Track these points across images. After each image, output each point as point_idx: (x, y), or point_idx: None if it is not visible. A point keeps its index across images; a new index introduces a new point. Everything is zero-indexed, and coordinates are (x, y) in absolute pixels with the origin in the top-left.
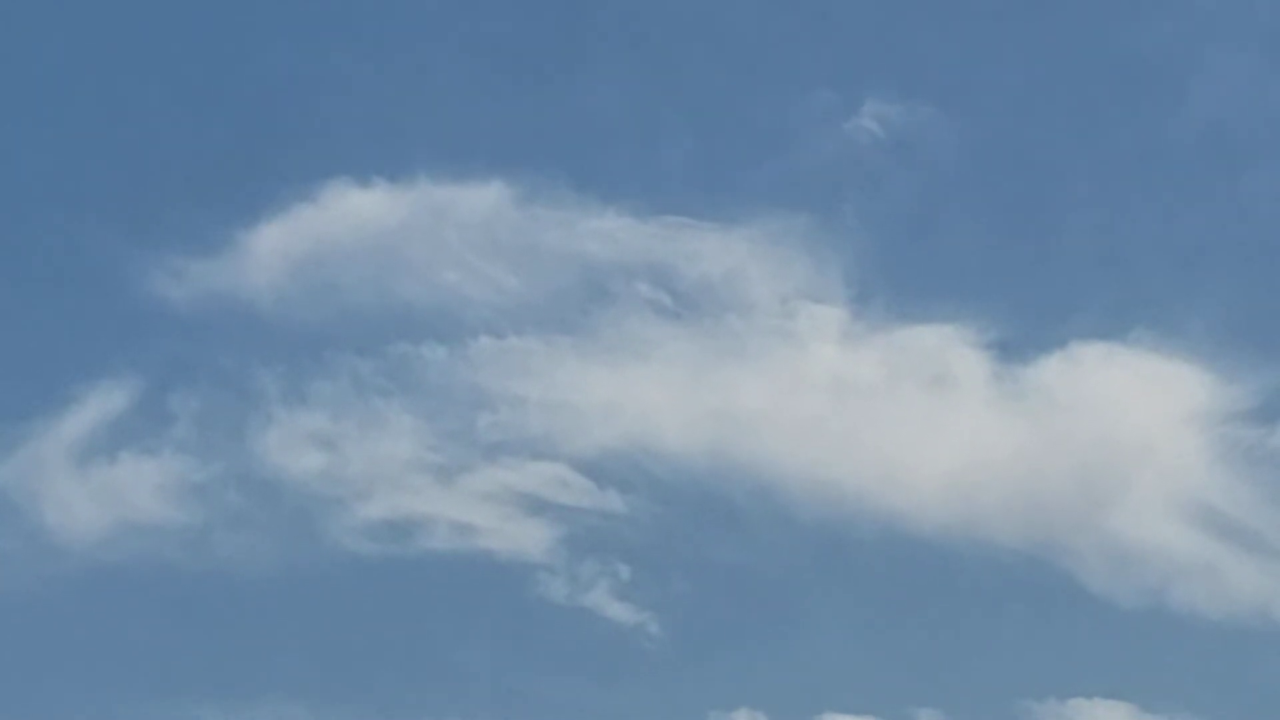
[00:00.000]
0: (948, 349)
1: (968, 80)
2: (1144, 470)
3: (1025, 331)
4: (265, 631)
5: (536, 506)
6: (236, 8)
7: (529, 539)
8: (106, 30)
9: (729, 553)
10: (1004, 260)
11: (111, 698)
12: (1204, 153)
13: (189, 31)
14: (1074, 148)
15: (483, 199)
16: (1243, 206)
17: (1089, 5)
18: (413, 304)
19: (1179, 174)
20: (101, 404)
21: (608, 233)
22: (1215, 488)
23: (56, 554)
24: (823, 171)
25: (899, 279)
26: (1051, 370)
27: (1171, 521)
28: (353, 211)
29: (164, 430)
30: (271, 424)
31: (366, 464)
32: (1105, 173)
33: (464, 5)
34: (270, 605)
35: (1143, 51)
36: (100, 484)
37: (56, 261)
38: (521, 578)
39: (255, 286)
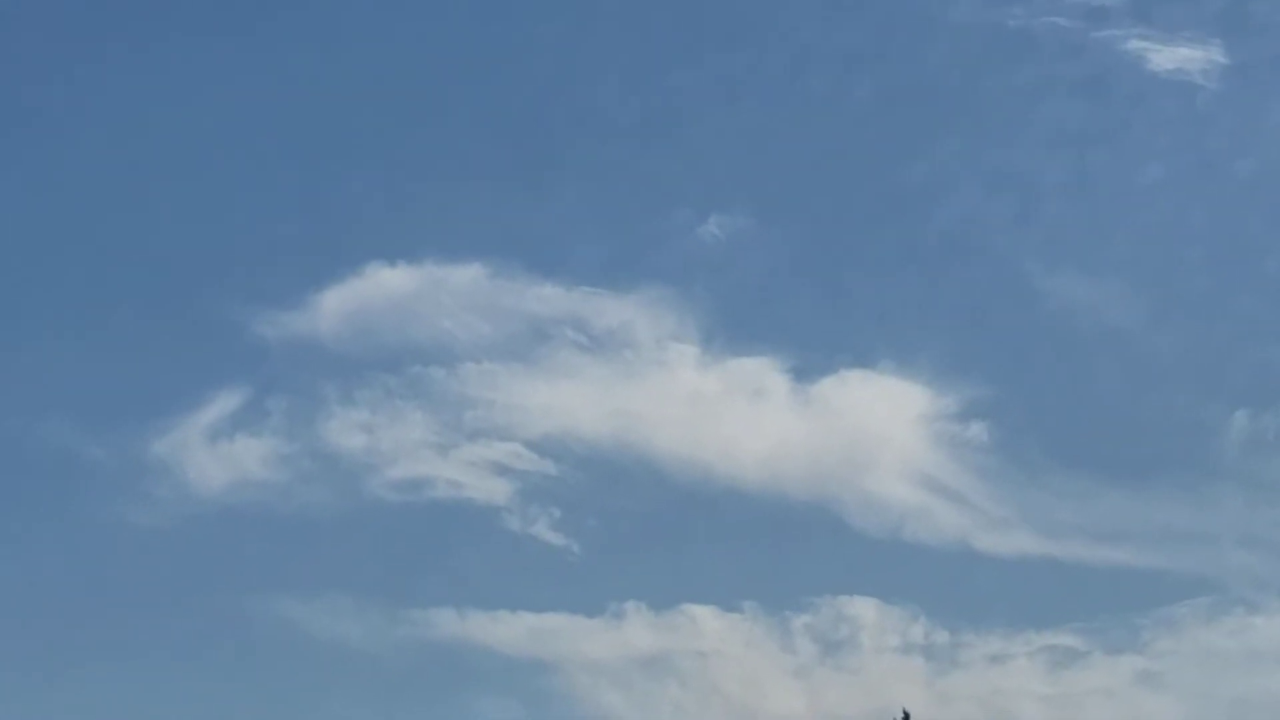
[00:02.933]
0: (762, 373)
1: (779, 199)
2: (886, 451)
3: (811, 361)
4: (325, 552)
5: (501, 471)
6: (308, 140)
7: (497, 491)
8: (234, 143)
9: (624, 502)
10: (798, 315)
11: (227, 595)
12: (939, 248)
13: (279, 149)
14: (849, 244)
15: (467, 274)
16: (957, 282)
17: (867, 145)
18: (422, 342)
19: (918, 263)
20: (224, 404)
21: (546, 297)
22: (931, 462)
23: (195, 500)
24: (683, 260)
25: (732, 327)
26: (828, 387)
27: (904, 483)
28: (385, 282)
29: (263, 421)
30: (332, 418)
31: (392, 443)
32: (869, 260)
33: (458, 135)
34: (329, 535)
35: (901, 180)
36: (223, 455)
37: (194, 314)
38: (491, 517)
39: (321, 330)
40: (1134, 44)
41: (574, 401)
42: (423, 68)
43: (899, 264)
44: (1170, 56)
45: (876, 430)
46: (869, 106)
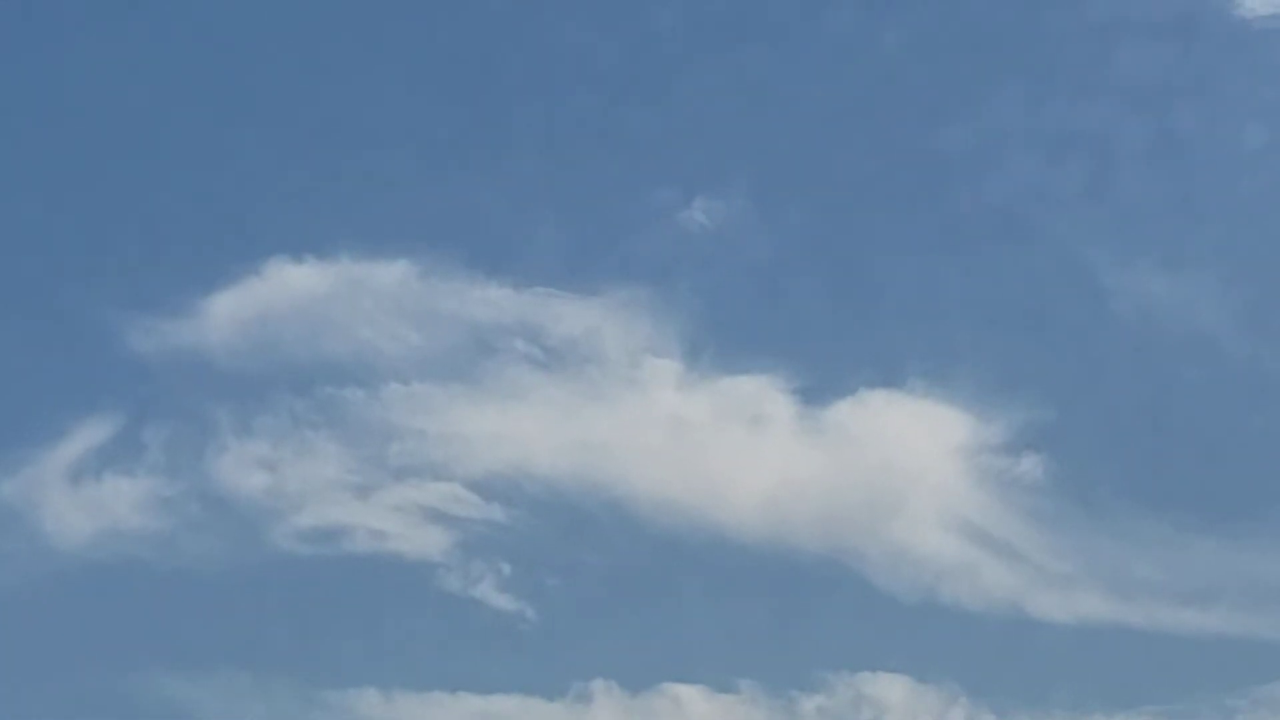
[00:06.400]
0: (762, 394)
1: (780, 179)
2: (918, 491)
3: (823, 380)
4: (219, 617)
5: (436, 517)
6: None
7: (430, 543)
8: (90, 125)
9: (588, 555)
10: (806, 321)
11: (95, 671)
12: (983, 235)
13: (158, 128)
14: (871, 231)
15: (392, 273)
16: (1006, 278)
17: (893, 113)
18: (337, 356)
19: (957, 254)
20: (89, 435)
21: (492, 300)
22: (974, 505)
23: (53, 554)
24: (662, 252)
25: (723, 337)
26: (844, 412)
27: (940, 532)
28: (289, 282)
29: (139, 456)
30: (224, 451)
31: (300, 483)
32: (896, 251)
33: (379, 95)
34: (223, 596)
35: (942, 151)
36: (88, 498)
37: (53, 321)
38: (424, 574)
39: (211, 342)
40: None
41: (526, 430)
42: (332, 10)
43: (933, 256)
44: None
45: (906, 466)
46: (898, 56)
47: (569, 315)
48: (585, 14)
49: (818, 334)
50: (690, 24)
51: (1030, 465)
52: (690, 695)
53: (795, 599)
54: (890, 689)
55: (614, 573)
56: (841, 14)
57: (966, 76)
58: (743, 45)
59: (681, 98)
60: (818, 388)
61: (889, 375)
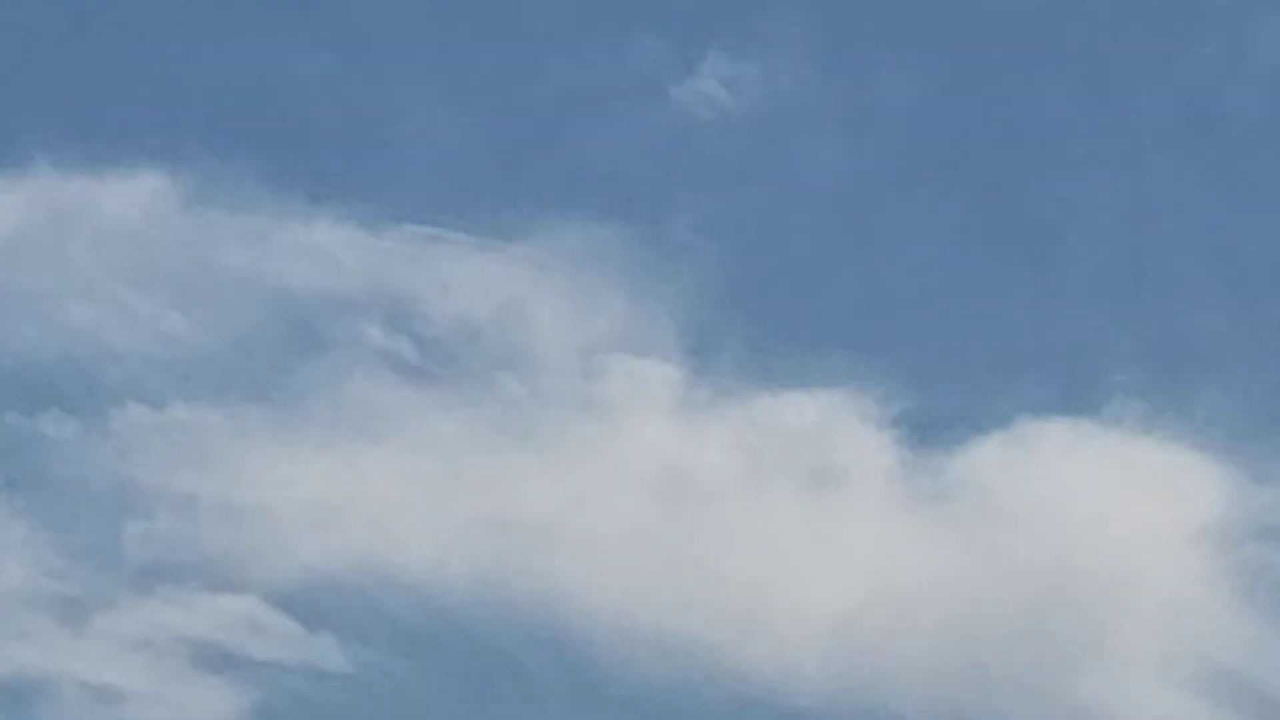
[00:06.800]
0: (832, 426)
1: (864, 22)
2: (1128, 611)
3: (948, 402)
4: None
5: (214, 661)
6: None
7: (203, 710)
8: None
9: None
10: (916, 296)
11: None
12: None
13: None
14: (1029, 124)
15: (131, 197)
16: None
17: None
18: (25, 354)
19: (1202, 164)
20: None
21: (319, 248)
22: (1233, 638)
23: None
24: (644, 161)
25: (758, 323)
26: (987, 459)
27: (1170, 687)
28: None
29: None
30: None
31: None
32: (1078, 161)
33: None
34: None
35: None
36: None
37: None
38: None
39: None
40: None
41: (385, 497)
42: None
43: (1160, 172)
44: None
45: (1104, 563)
46: None
47: (467, 280)
48: None
49: (937, 314)
50: None
51: None
52: None
53: None
54: None
55: None
56: None
57: None
58: None
59: None
60: (936, 415)
61: (1069, 395)
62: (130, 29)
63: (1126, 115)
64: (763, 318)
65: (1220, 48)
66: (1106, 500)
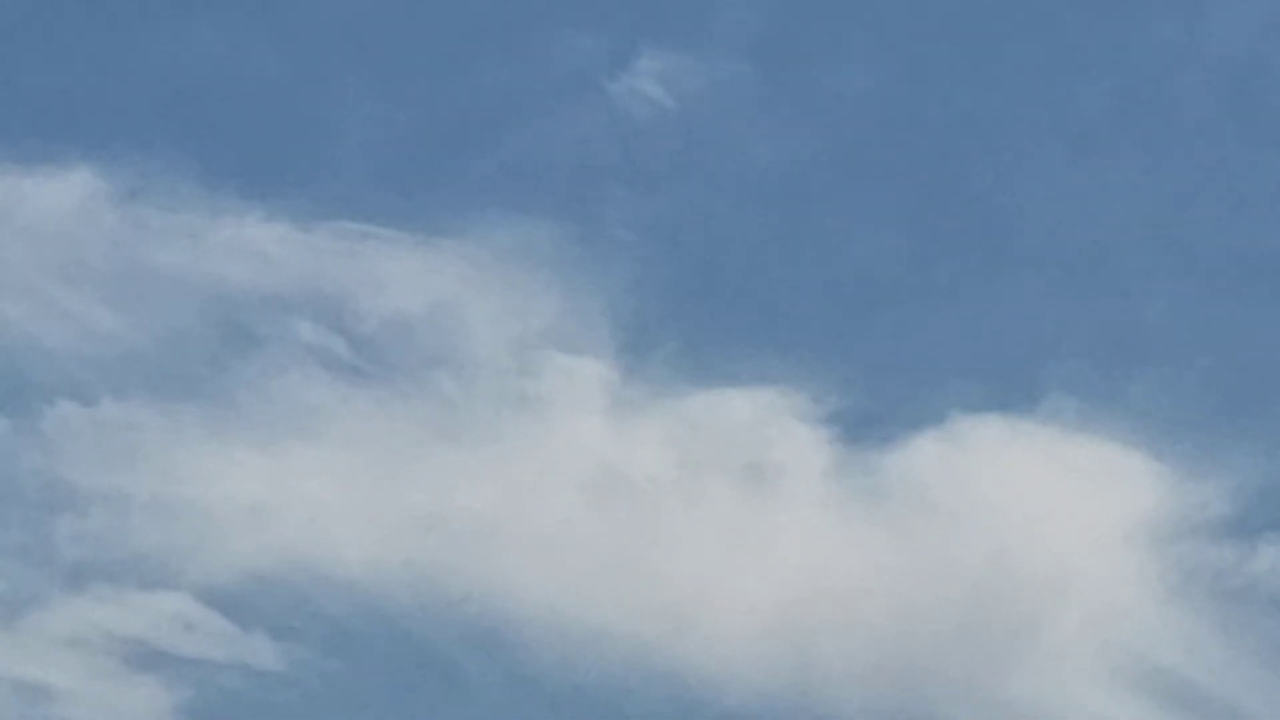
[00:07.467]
0: (767, 424)
1: (803, 15)
2: (1062, 608)
3: (883, 399)
4: None
5: (146, 659)
6: None
7: (134, 708)
8: None
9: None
10: (852, 293)
11: None
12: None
13: None
14: (974, 117)
15: (60, 194)
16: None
17: None
18: None
19: (1152, 154)
20: None
21: (251, 245)
22: (1166, 635)
23: None
24: (579, 158)
25: (693, 320)
26: (923, 456)
27: (1104, 685)
28: None
29: None
30: None
31: None
32: (1024, 154)
33: None
34: None
35: None
36: None
37: None
38: None
39: None
40: None
41: (316, 494)
42: None
43: (1102, 163)
44: None
45: (1039, 560)
46: None
47: (399, 275)
48: None
49: (873, 312)
50: None
51: (1274, 559)
52: None
53: None
54: None
55: None
56: None
57: None
58: None
59: None
60: (872, 413)
61: (1005, 392)
62: (57, 24)
63: (1075, 105)
64: (697, 315)
65: (1173, 35)
66: (1041, 498)
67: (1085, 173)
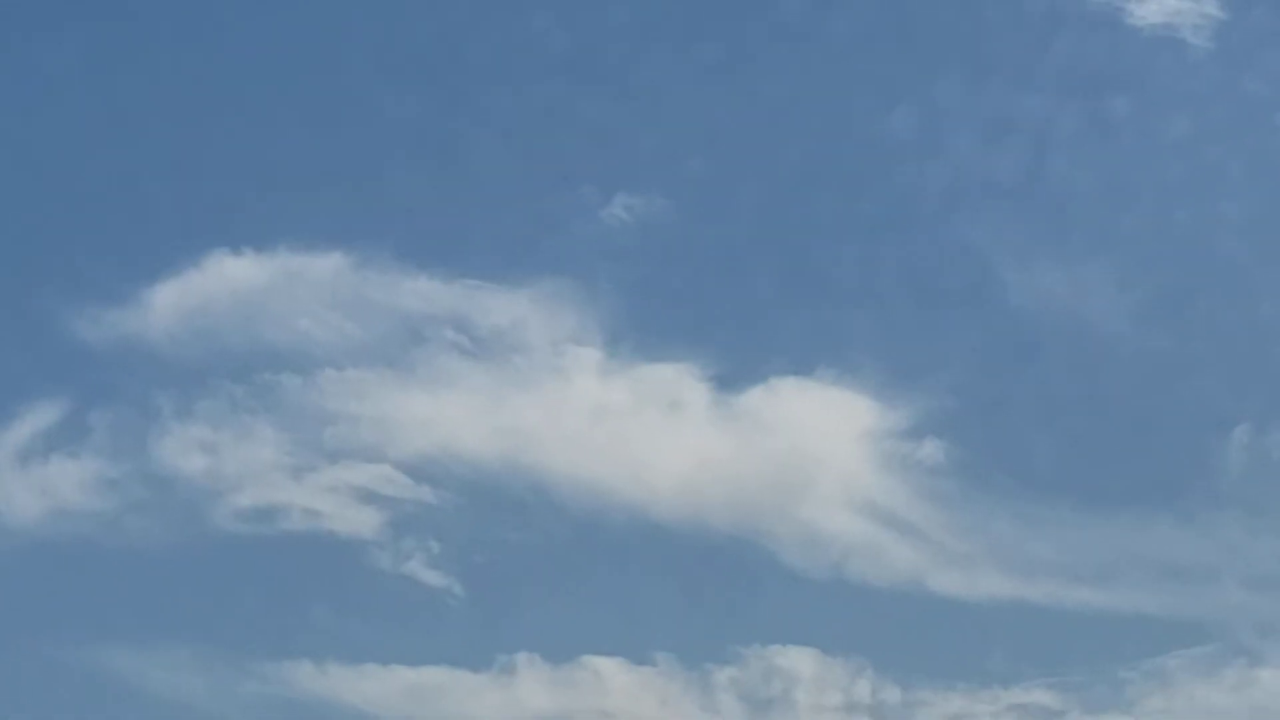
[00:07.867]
0: (679, 381)
1: (695, 177)
2: (826, 474)
3: (736, 368)
4: (160, 593)
5: (368, 497)
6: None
7: (362, 522)
8: (34, 119)
9: (513, 533)
10: (720, 313)
11: (42, 644)
12: (892, 225)
13: (103, 122)
14: (771, 229)
15: (327, 265)
16: (905, 268)
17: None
18: (274, 344)
19: (863, 246)
20: (37, 419)
21: (422, 291)
22: (878, 488)
23: (2, 533)
24: (584, 247)
25: (642, 328)
26: (756, 398)
27: (847, 513)
28: (228, 274)
29: (85, 439)
30: (166, 435)
31: (238, 465)
32: (796, 246)
33: (315, 95)
34: (164, 573)
35: (854, 141)
36: (36, 479)
37: (2, 310)
38: (357, 552)
39: (153, 331)
40: None
41: (455, 415)
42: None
43: (839, 248)
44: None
45: (814, 450)
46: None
47: (495, 306)
48: (541, 7)
49: (730, 324)
50: (644, 16)
51: (932, 450)
52: (609, 667)
53: (709, 576)
54: (799, 661)
55: (537, 551)
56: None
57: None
58: (696, 39)
59: (632, 89)
60: (731, 375)
61: (799, 364)
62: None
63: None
64: (643, 327)
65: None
66: (815, 419)
67: None
